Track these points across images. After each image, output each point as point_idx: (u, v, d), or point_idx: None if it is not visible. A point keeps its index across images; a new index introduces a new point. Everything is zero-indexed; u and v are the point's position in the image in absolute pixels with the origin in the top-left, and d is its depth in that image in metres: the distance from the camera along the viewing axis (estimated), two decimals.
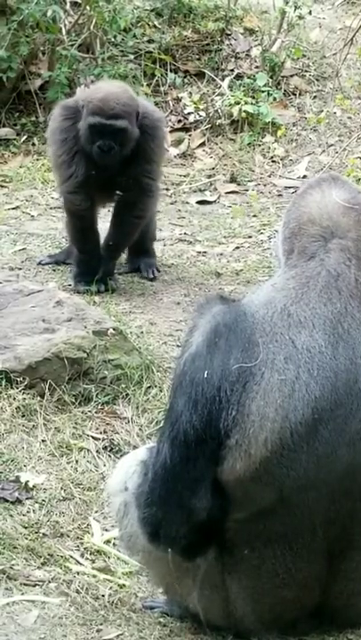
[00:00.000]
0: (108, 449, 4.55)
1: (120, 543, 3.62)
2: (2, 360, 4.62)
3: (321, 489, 3.17)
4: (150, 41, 9.17)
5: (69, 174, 6.08)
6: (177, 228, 7.42)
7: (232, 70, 9.18)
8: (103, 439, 4.58)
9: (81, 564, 3.85)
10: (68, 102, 6.43)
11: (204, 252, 6.92)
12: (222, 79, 9.05)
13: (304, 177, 8.15)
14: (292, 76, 9.23)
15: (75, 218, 6.19)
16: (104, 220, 6.44)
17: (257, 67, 9.15)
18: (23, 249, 6.76)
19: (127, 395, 4.79)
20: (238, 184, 8.30)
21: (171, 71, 9.11)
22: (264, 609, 3.31)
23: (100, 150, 5.97)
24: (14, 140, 8.64)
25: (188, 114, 8.91)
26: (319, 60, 9.33)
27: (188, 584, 3.34)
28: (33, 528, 3.97)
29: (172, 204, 7.91)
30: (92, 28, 8.83)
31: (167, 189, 7.99)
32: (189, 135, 8.79)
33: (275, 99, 8.88)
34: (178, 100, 9.02)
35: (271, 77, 9.02)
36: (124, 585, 3.76)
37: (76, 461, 4.41)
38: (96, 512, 4.15)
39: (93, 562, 3.88)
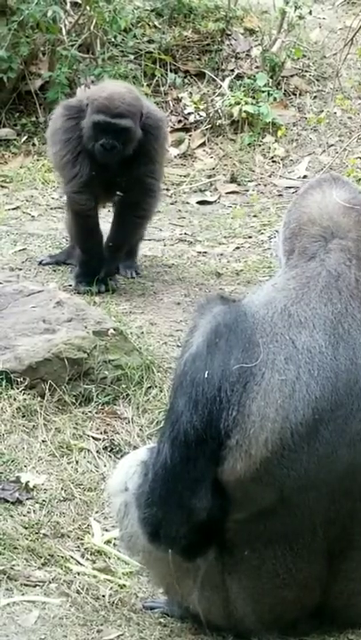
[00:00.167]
0: (109, 449, 4.55)
1: (120, 543, 3.62)
2: (2, 360, 4.62)
3: (321, 489, 3.17)
4: (150, 41, 9.17)
5: (74, 174, 6.07)
6: (177, 228, 7.42)
7: (232, 70, 9.19)
8: (103, 439, 4.58)
9: (81, 564, 3.85)
10: (71, 102, 6.43)
11: (205, 253, 6.92)
12: (222, 79, 9.05)
13: (304, 177, 8.15)
14: (292, 76, 9.24)
15: (80, 218, 6.18)
16: (104, 221, 6.44)
17: (257, 67, 9.16)
18: (23, 249, 6.76)
19: (127, 395, 4.79)
20: (239, 184, 8.30)
21: (171, 71, 9.11)
22: (264, 609, 3.31)
23: (102, 148, 5.96)
24: (14, 140, 8.64)
25: (189, 114, 8.91)
26: (319, 60, 9.33)
27: (188, 584, 3.34)
28: (33, 528, 3.97)
29: (172, 204, 7.91)
30: (92, 28, 8.83)
31: (167, 189, 7.99)
32: (190, 135, 8.79)
33: (275, 99, 8.88)
34: (178, 100, 9.03)
35: (271, 77, 9.03)
36: (124, 585, 3.76)
37: (77, 462, 4.41)
38: (96, 512, 4.15)
39: (94, 562, 3.88)
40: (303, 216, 3.34)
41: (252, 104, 8.72)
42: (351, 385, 3.16)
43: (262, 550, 3.24)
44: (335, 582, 3.31)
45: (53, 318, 4.90)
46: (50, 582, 3.67)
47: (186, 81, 9.14)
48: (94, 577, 3.77)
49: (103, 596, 3.65)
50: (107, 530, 4.05)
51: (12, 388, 4.57)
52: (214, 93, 8.97)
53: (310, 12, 9.14)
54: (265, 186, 8.29)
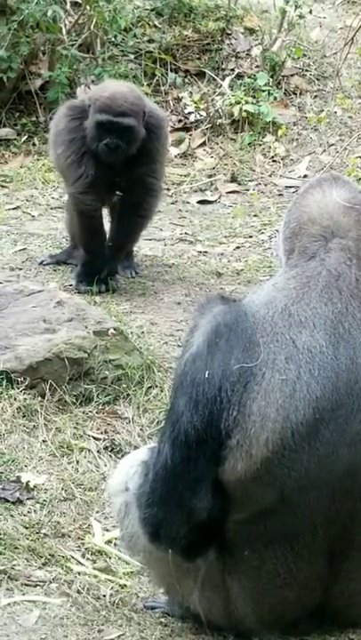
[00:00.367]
0: (109, 449, 4.55)
1: (121, 543, 3.62)
2: (3, 360, 4.62)
3: (322, 489, 3.17)
4: (151, 41, 9.17)
5: (79, 175, 6.06)
6: (178, 227, 7.42)
7: (232, 70, 9.19)
8: (104, 439, 4.58)
9: (82, 564, 3.85)
10: (75, 102, 6.43)
11: (205, 252, 6.92)
12: (223, 79, 9.05)
13: (305, 176, 8.15)
14: (292, 75, 9.23)
15: (85, 218, 6.17)
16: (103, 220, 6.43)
17: (257, 66, 9.15)
18: (24, 249, 6.76)
19: (128, 395, 4.79)
20: (239, 184, 8.30)
21: (171, 71, 9.11)
22: (265, 609, 3.31)
23: (106, 148, 5.96)
24: (15, 140, 8.64)
25: (189, 113, 8.91)
26: (320, 59, 9.33)
27: (188, 584, 3.34)
28: (34, 528, 3.97)
29: (172, 203, 7.91)
30: (92, 27, 8.83)
31: (168, 189, 7.99)
32: (190, 135, 8.79)
33: (275, 98, 8.88)
34: (178, 99, 9.02)
35: (272, 77, 9.02)
36: (125, 585, 3.76)
37: (77, 462, 4.41)
38: (97, 512, 4.15)
39: (94, 562, 3.88)
40: (303, 215, 3.34)
41: (252, 103, 8.72)
42: (352, 384, 3.15)
43: (263, 550, 3.24)
44: (336, 582, 3.31)
45: (54, 318, 4.90)
46: (50, 582, 3.67)
47: (186, 80, 9.14)
48: (95, 577, 3.77)
49: (104, 595, 3.65)
50: (107, 530, 4.05)
51: (12, 388, 4.57)
52: (215, 93, 8.96)
53: (310, 12, 9.13)
54: (265, 185, 8.29)
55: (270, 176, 8.40)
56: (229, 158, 8.55)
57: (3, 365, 4.59)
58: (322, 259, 3.27)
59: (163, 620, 3.53)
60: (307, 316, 3.19)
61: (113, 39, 8.95)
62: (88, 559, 3.90)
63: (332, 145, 8.62)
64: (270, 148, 8.61)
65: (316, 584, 3.30)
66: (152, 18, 9.30)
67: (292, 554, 3.24)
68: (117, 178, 6.12)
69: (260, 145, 8.66)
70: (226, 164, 8.51)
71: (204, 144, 8.75)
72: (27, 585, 3.64)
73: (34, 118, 8.77)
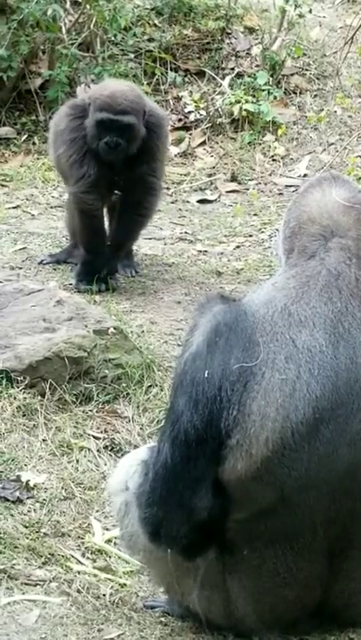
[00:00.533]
0: (109, 448, 4.55)
1: (121, 542, 3.62)
2: (2, 359, 4.62)
3: (322, 488, 3.17)
4: (151, 40, 9.17)
5: (81, 174, 6.06)
6: (178, 226, 7.42)
7: (232, 69, 9.19)
8: (104, 438, 4.58)
9: (82, 563, 3.85)
10: (76, 101, 6.42)
11: (205, 251, 6.92)
12: (223, 78, 9.05)
13: (305, 176, 8.15)
14: (292, 74, 9.23)
15: (86, 217, 6.16)
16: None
17: (257, 65, 9.15)
18: (24, 248, 6.76)
19: (128, 394, 4.79)
20: (239, 183, 8.30)
21: (171, 70, 9.11)
22: (265, 608, 3.31)
23: (107, 146, 5.95)
24: (15, 139, 8.64)
25: (189, 113, 8.91)
26: (320, 58, 9.33)
27: (188, 584, 3.34)
28: (34, 527, 3.97)
29: (172, 202, 7.91)
30: (92, 26, 8.83)
31: (168, 188, 7.99)
32: (190, 134, 8.79)
33: (275, 97, 8.88)
34: (178, 98, 9.02)
35: (272, 76, 9.02)
36: (125, 584, 3.76)
37: (77, 461, 4.41)
38: (97, 511, 4.16)
39: (94, 561, 3.88)
40: (303, 215, 3.34)
41: (252, 102, 8.72)
42: (352, 384, 3.15)
43: (263, 550, 3.24)
44: (336, 581, 3.31)
45: (54, 317, 4.90)
46: (50, 581, 3.67)
47: (186, 79, 9.14)
48: (95, 576, 3.77)
49: (104, 595, 3.65)
50: (107, 529, 4.05)
51: (12, 387, 4.57)
52: (214, 92, 8.96)
53: (310, 11, 9.14)
54: (265, 184, 8.29)
55: (270, 175, 8.40)
56: (229, 157, 8.56)
57: (2, 364, 4.59)
58: (321, 258, 3.27)
59: (162, 619, 3.53)
60: (306, 315, 3.19)
61: (113, 38, 8.95)
62: (88, 558, 3.90)
63: (332, 144, 8.62)
64: (270, 147, 8.62)
65: (316, 583, 3.30)
66: (152, 17, 9.31)
67: (292, 553, 3.24)
68: (118, 177, 6.12)
69: (260, 144, 8.66)
70: (226, 164, 8.51)
71: (204, 143, 8.75)
72: (27, 584, 3.64)
73: (34, 117, 8.77)
